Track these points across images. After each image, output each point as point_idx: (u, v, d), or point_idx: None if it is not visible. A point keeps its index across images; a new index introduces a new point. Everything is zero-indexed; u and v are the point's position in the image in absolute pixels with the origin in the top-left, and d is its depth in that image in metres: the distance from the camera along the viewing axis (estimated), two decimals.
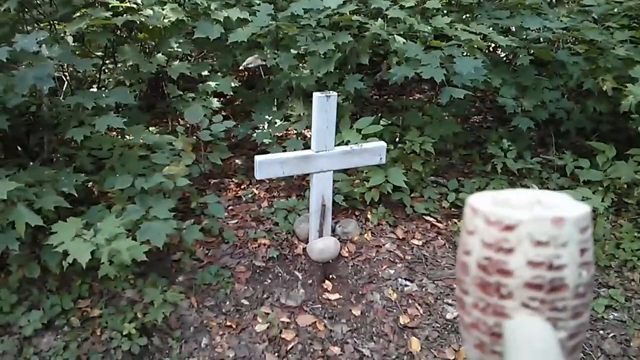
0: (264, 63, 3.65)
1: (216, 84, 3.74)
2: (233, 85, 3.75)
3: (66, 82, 3.80)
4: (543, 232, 0.58)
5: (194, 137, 3.43)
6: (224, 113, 4.70)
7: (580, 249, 0.59)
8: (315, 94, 3.05)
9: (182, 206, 3.54)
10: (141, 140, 3.03)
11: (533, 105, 4.14)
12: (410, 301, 3.18)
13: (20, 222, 2.37)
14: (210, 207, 3.24)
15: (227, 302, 3.06)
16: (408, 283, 3.29)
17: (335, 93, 3.08)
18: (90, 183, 3.07)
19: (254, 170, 2.98)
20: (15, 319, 2.71)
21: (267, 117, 3.92)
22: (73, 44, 3.50)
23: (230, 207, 3.82)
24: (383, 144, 3.35)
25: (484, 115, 5.45)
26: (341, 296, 3.17)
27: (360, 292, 3.20)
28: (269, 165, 3.07)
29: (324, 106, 3.07)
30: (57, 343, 2.66)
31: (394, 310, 3.11)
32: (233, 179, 4.15)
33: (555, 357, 0.55)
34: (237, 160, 4.39)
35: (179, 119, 3.66)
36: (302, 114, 3.80)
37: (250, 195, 3.91)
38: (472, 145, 4.74)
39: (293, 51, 3.70)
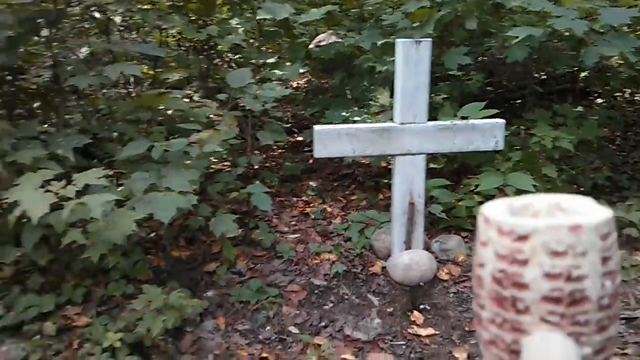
0: (340, 40, 2.93)
1: (282, 73, 3.06)
2: (302, 71, 3.05)
3: None
4: (559, 240, 0.51)
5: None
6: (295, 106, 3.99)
7: (602, 258, 0.53)
8: (399, 40, 2.24)
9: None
10: (170, 112, 2.34)
11: None
12: None
13: None
14: (253, 199, 2.40)
15: (268, 328, 2.11)
16: None
17: (428, 39, 2.24)
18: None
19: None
20: None
21: (343, 113, 3.13)
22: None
23: (293, 223, 2.96)
24: (500, 121, 2.39)
25: (631, 136, 4.20)
26: (437, 332, 2.09)
27: (467, 329, 2.10)
28: (334, 138, 2.23)
29: (411, 57, 2.23)
30: (16, 354, 1.86)
31: None
32: (303, 198, 3.32)
33: None
34: (311, 182, 3.57)
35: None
36: (387, 104, 2.97)
37: (320, 212, 3.04)
38: (620, 168, 3.55)
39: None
